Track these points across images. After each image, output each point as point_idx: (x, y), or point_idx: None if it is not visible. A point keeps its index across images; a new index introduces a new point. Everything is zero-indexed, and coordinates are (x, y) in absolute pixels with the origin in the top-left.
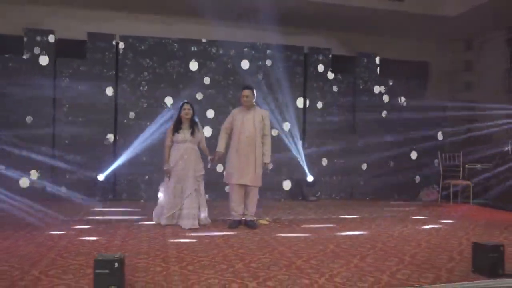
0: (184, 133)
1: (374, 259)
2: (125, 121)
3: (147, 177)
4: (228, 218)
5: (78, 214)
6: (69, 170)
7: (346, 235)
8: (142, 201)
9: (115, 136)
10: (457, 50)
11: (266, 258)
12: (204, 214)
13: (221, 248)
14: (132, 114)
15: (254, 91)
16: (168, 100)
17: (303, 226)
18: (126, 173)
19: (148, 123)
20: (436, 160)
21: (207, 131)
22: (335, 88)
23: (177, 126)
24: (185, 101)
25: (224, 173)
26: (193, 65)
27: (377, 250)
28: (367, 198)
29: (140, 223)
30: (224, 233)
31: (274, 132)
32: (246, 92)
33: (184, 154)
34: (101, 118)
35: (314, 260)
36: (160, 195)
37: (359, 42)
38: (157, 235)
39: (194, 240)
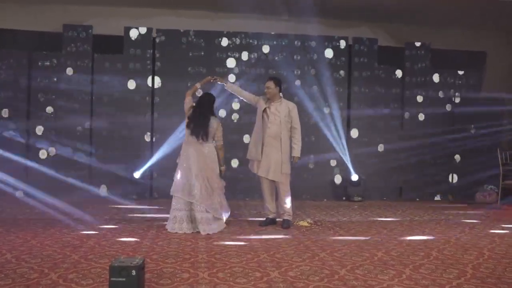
0: None
1: (430, 270)
2: (162, 116)
3: None
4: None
5: (111, 212)
6: (104, 167)
7: (396, 241)
8: None
9: (152, 132)
10: None
11: (305, 266)
12: None
13: (257, 253)
14: (169, 110)
15: (278, 83)
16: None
17: (347, 229)
18: (163, 171)
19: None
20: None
21: None
22: (381, 81)
23: None
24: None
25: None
26: (232, 59)
27: (432, 259)
28: (417, 199)
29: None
30: (261, 236)
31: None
32: (268, 83)
33: None
34: (138, 114)
35: (360, 270)
36: None
37: (407, 32)
38: (189, 236)
39: (227, 243)
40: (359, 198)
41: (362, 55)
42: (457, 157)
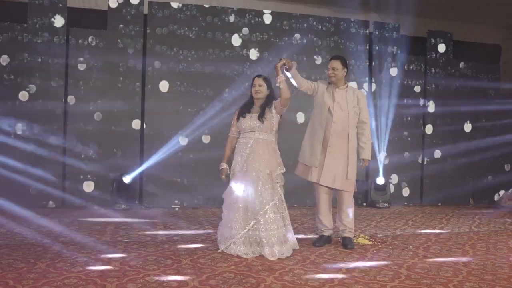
0: (251, 119)
1: None
2: (155, 106)
3: (186, 180)
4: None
5: (107, 229)
6: (84, 167)
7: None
8: (177, 209)
9: (142, 125)
10: None
11: None
12: (291, 234)
13: None
14: (164, 98)
15: (345, 63)
16: (210, 81)
17: (423, 247)
18: (157, 173)
19: (189, 110)
20: None
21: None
22: (403, 73)
23: (244, 109)
24: (257, 74)
25: (298, 163)
26: (236, 39)
27: None
28: (439, 204)
29: (200, 245)
30: (336, 264)
31: None
32: (333, 63)
33: (252, 147)
34: (126, 102)
35: None
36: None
37: (423, 24)
38: (243, 268)
39: (306, 279)
40: (385, 204)
41: (384, 42)
42: (477, 156)
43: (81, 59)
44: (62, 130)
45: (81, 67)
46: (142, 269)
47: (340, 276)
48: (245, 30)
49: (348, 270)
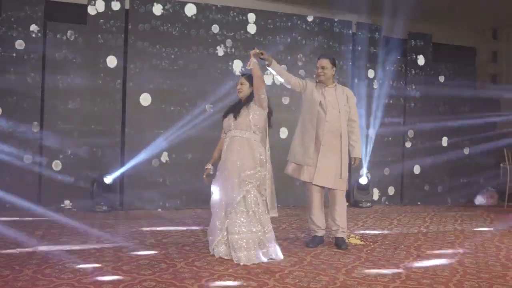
0: (229, 117)
1: None
2: (137, 105)
3: (168, 180)
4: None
5: (91, 232)
6: (62, 167)
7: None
8: (159, 210)
9: (123, 123)
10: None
11: None
12: (272, 242)
13: None
14: (146, 98)
15: (334, 62)
16: (194, 80)
17: (415, 246)
18: (138, 174)
19: (172, 109)
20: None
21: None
22: (384, 73)
23: (229, 110)
24: (242, 73)
25: (288, 163)
26: (220, 37)
27: None
28: (418, 203)
29: (191, 247)
30: (333, 263)
31: None
32: (322, 61)
33: (229, 145)
34: (107, 102)
35: None
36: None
37: (406, 25)
38: (239, 269)
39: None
40: (368, 204)
41: (366, 42)
42: (455, 156)
43: (59, 55)
44: (38, 128)
45: (59, 62)
46: (137, 273)
47: (341, 277)
48: (229, 28)
49: (347, 271)
